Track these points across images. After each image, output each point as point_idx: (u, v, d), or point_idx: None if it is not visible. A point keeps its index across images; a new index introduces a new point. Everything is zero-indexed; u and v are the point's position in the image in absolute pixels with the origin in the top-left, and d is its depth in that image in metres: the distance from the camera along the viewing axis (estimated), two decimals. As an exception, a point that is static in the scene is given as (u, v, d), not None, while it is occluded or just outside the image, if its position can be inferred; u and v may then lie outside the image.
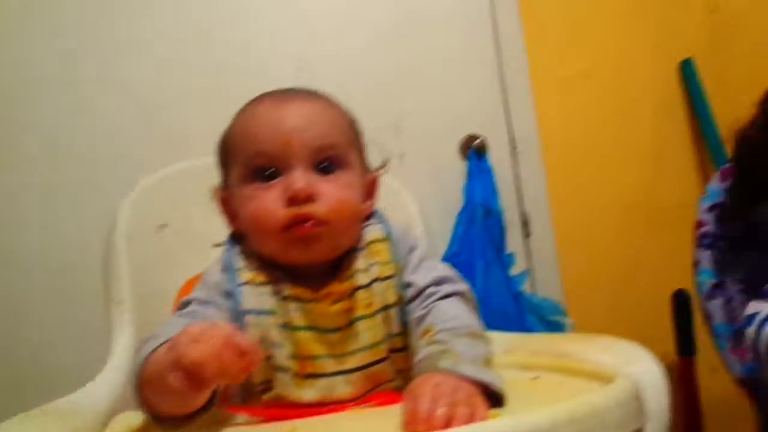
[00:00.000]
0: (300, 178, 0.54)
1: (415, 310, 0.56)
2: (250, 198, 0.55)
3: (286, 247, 0.55)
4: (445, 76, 1.10)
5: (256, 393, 0.54)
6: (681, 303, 0.97)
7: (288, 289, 0.55)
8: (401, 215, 0.77)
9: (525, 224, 1.09)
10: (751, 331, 0.55)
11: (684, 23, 1.16)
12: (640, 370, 0.54)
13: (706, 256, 0.72)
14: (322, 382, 0.54)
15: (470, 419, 0.40)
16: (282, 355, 0.54)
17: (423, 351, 0.51)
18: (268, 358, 0.54)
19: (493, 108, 1.12)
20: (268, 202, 0.54)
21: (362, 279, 0.56)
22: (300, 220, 0.54)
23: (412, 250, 0.60)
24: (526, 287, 0.98)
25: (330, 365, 0.54)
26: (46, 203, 0.99)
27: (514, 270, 0.99)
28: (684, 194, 1.11)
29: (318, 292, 0.56)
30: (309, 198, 0.54)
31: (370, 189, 0.61)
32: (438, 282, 0.57)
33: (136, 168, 0.88)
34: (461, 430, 0.39)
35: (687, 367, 0.97)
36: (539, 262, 1.08)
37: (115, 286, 0.76)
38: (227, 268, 0.57)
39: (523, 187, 1.10)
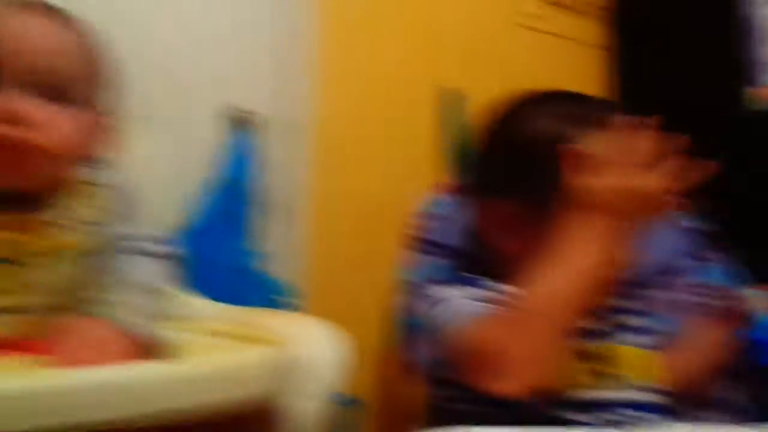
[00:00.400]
0: (13, 98, 0.49)
1: (109, 260, 0.53)
2: None
3: None
4: (220, 43, 1.06)
5: None
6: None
7: None
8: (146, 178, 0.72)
9: (282, 206, 1.09)
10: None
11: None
12: (314, 345, 0.57)
13: (409, 256, 0.79)
14: None
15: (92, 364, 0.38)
16: None
17: (100, 296, 0.48)
18: None
19: (268, 84, 1.10)
20: None
21: (57, 216, 0.52)
22: (4, 140, 0.49)
23: (128, 204, 0.56)
24: (262, 266, 0.98)
25: None
26: None
27: (254, 248, 0.98)
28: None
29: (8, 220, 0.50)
30: (20, 120, 0.49)
31: (98, 129, 0.56)
32: (142, 238, 0.55)
33: None
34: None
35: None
36: (291, 246, 1.08)
37: None
38: None
39: (287, 168, 1.10)
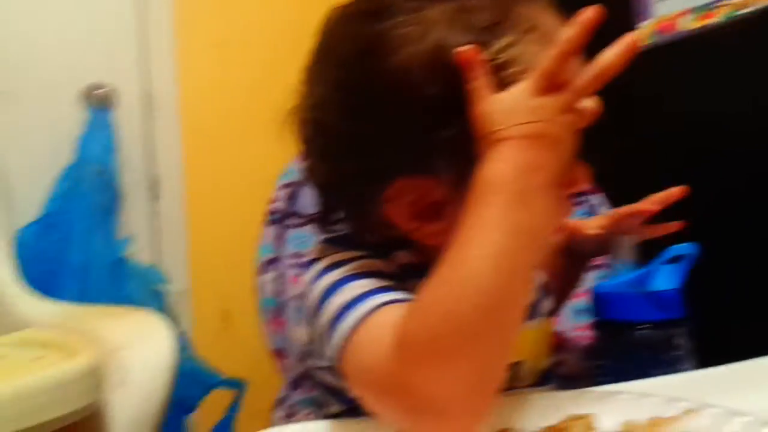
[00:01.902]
0: None
1: None
2: None
3: None
4: (77, 12, 0.98)
5: None
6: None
7: None
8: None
9: (153, 186, 1.03)
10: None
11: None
12: (145, 348, 0.53)
13: (268, 232, 0.75)
14: None
15: None
16: None
17: None
18: None
19: (130, 59, 1.03)
20: None
21: None
22: None
23: None
24: (134, 254, 0.93)
25: None
26: None
27: (121, 235, 0.93)
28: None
29: None
30: None
31: None
32: None
33: None
34: None
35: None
36: (165, 227, 1.04)
37: None
38: None
39: (154, 146, 1.04)
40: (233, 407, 0.88)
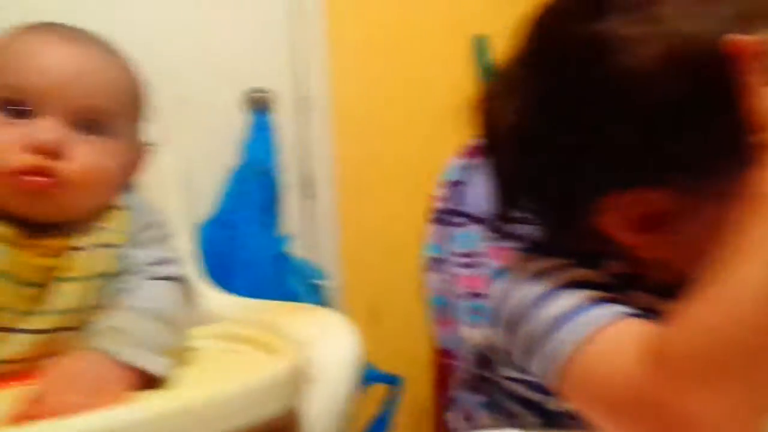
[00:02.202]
0: (51, 129, 0.49)
1: (123, 283, 0.53)
2: None
3: (11, 194, 0.50)
4: (234, 22, 1.04)
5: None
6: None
7: (3, 229, 0.50)
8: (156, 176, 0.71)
9: (307, 185, 1.07)
10: None
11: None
12: (332, 349, 0.55)
13: (434, 230, 0.75)
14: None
15: (79, 409, 0.38)
16: None
17: (102, 322, 0.48)
18: None
19: (284, 62, 1.08)
20: (6, 139, 0.49)
21: (81, 241, 0.52)
22: (37, 172, 0.49)
23: (147, 227, 0.56)
24: (292, 250, 0.97)
25: (15, 320, 0.50)
26: None
27: (282, 232, 0.97)
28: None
29: (29, 239, 0.50)
30: (55, 153, 0.49)
31: (135, 160, 0.57)
32: (156, 262, 0.54)
33: None
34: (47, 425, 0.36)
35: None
36: (319, 225, 1.08)
37: None
38: None
39: (309, 147, 1.08)
40: (390, 404, 0.90)
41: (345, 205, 1.09)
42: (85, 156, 0.51)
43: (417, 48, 1.15)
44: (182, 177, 0.85)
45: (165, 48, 0.98)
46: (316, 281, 0.94)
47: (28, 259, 0.51)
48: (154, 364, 0.45)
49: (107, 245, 0.54)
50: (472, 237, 0.74)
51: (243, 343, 0.56)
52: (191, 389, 0.42)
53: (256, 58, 1.05)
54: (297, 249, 1.02)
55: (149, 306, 0.50)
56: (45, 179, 0.50)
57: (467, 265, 0.72)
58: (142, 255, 0.54)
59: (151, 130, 0.59)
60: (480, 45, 1.19)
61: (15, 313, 0.50)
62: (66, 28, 0.55)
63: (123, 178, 0.57)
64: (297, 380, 0.48)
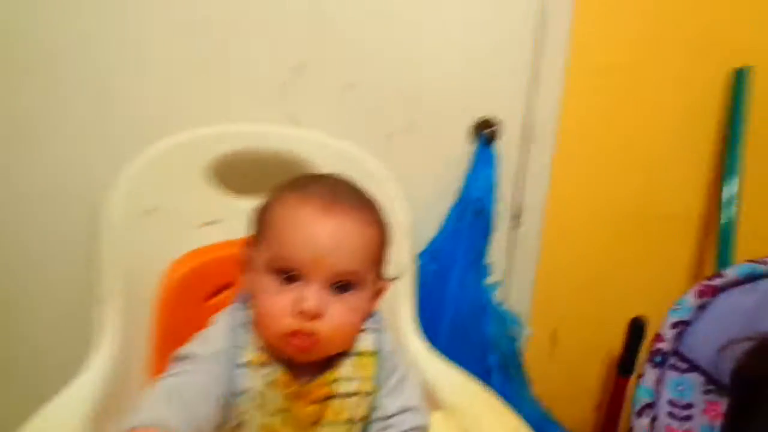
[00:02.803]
0: (313, 296, 0.59)
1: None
2: (266, 291, 0.61)
3: (283, 346, 0.61)
4: (473, 51, 1.00)
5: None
6: (635, 330, 1.04)
7: (278, 376, 0.62)
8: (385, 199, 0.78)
9: (516, 215, 1.09)
10: None
11: (741, 28, 1.04)
12: None
13: (652, 373, 0.77)
14: None
15: None
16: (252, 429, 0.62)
17: None
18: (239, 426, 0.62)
19: (518, 91, 1.04)
20: (280, 306, 0.60)
21: (342, 388, 0.63)
22: (296, 333, 0.60)
23: (394, 370, 0.66)
24: (497, 297, 1.03)
25: None
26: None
27: (490, 279, 1.03)
28: (681, 207, 1.11)
29: (302, 387, 0.63)
30: (316, 316, 0.59)
31: (377, 294, 0.65)
32: (403, 410, 0.64)
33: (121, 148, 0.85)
34: None
35: (622, 384, 1.08)
36: (520, 252, 1.11)
37: (97, 284, 0.80)
38: (233, 343, 0.63)
39: (525, 177, 1.08)
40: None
41: (548, 236, 1.11)
42: (339, 316, 0.60)
43: (653, 79, 1.05)
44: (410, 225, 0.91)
45: (406, 73, 0.99)
46: (512, 328, 1.01)
47: (301, 408, 0.62)
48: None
49: (363, 393, 0.64)
50: (685, 383, 0.75)
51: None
52: None
53: (490, 87, 1.03)
54: (497, 273, 1.07)
55: None
56: (307, 340, 0.60)
57: (674, 416, 0.75)
58: (390, 405, 0.64)
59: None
60: (740, 77, 1.06)
61: None
62: (331, 196, 0.61)
63: (364, 319, 0.65)
64: None
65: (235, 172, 0.89)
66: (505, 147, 1.04)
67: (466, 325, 0.98)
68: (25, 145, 0.90)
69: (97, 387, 0.72)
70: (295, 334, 0.60)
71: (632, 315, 1.08)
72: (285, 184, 0.65)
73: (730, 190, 1.05)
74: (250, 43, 0.92)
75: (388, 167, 0.93)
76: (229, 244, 0.86)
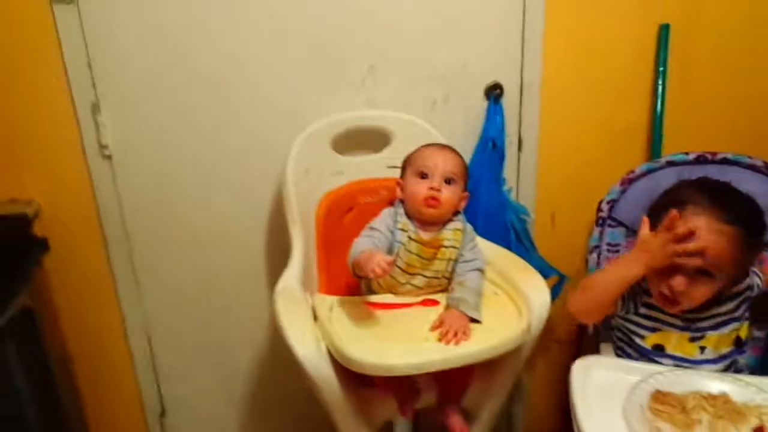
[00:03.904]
0: (436, 181, 1.29)
1: (460, 269, 1.31)
2: (414, 184, 1.31)
3: (421, 207, 1.28)
4: (482, 30, 1.53)
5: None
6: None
7: (415, 235, 1.30)
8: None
9: (520, 143, 1.69)
10: None
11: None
12: (539, 299, 1.29)
13: (597, 230, 1.40)
14: (413, 278, 1.30)
15: (462, 338, 1.16)
16: (401, 262, 1.28)
17: (456, 291, 1.26)
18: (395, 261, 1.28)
19: (513, 60, 1.60)
20: (422, 188, 1.29)
21: (446, 242, 1.31)
22: (431, 198, 1.27)
23: (471, 239, 1.32)
24: (510, 195, 1.65)
25: (420, 272, 1.30)
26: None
27: (506, 186, 1.64)
28: (633, 123, 1.68)
29: (427, 239, 1.30)
30: (437, 190, 1.29)
31: (463, 198, 1.34)
32: (474, 259, 1.29)
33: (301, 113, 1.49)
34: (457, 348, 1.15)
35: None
36: (526, 169, 1.71)
37: (288, 213, 1.44)
38: (393, 219, 1.30)
39: (523, 117, 1.66)
40: (554, 292, 1.63)
41: (542, 156, 1.69)
42: (447, 193, 1.30)
43: (608, 29, 1.56)
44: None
45: (439, 57, 1.56)
46: (523, 215, 1.63)
47: (426, 250, 1.30)
48: (478, 316, 1.22)
49: (454, 247, 1.30)
50: (618, 234, 1.39)
51: (502, 293, 1.32)
52: (489, 339, 1.18)
53: (496, 57, 1.57)
54: (511, 185, 1.68)
55: (473, 286, 1.26)
56: (435, 202, 1.28)
57: (611, 251, 1.39)
58: (468, 255, 1.30)
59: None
60: (664, 33, 1.59)
61: (419, 270, 1.30)
62: (441, 145, 1.38)
63: (458, 207, 1.32)
64: (528, 331, 1.22)
65: (346, 142, 1.50)
66: (508, 101, 1.61)
67: (494, 217, 1.60)
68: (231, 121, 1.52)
69: (300, 268, 1.37)
70: (430, 198, 1.28)
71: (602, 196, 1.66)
72: (419, 147, 1.37)
73: (660, 108, 1.62)
74: (344, 53, 1.51)
75: (435, 123, 1.53)
76: (348, 184, 1.50)
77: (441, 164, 1.29)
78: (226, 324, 1.68)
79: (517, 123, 1.64)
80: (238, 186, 1.57)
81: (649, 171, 1.37)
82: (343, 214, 1.47)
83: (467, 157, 1.58)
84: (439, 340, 1.14)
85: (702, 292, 1.07)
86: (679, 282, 1.05)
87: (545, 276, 1.59)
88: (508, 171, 1.66)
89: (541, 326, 1.25)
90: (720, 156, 1.36)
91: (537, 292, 1.27)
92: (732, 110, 1.69)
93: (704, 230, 1.03)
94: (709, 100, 1.67)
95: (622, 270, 1.10)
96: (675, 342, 1.16)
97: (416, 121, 1.52)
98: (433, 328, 1.17)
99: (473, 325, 1.18)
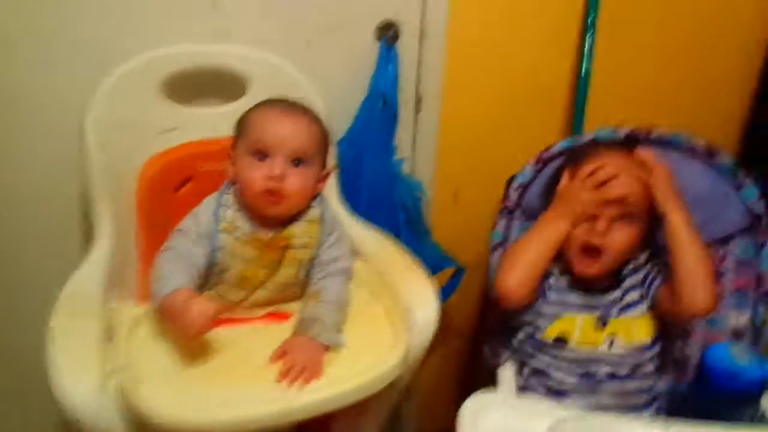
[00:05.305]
0: (278, 166, 0.90)
1: (315, 274, 0.96)
2: (247, 167, 0.91)
3: (258, 203, 0.92)
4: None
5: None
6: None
7: (249, 235, 0.92)
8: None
9: (418, 102, 1.35)
10: None
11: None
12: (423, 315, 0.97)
13: (501, 223, 1.09)
14: (251, 293, 0.95)
15: (311, 377, 0.82)
16: (231, 275, 0.92)
17: (308, 307, 0.92)
18: (222, 272, 0.92)
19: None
20: (257, 175, 0.90)
21: (295, 242, 0.94)
22: (270, 192, 0.90)
23: (332, 231, 0.96)
24: (403, 169, 1.31)
25: (262, 283, 0.95)
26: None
27: (397, 156, 1.30)
28: (553, 80, 1.38)
29: (268, 239, 0.93)
30: (279, 180, 0.90)
31: (323, 178, 0.97)
32: (335, 260, 0.94)
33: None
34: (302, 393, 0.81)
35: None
36: (424, 134, 1.38)
37: (89, 185, 1.04)
38: (215, 215, 0.93)
39: (423, 69, 1.32)
40: (451, 286, 1.34)
41: (445, 117, 1.37)
42: (296, 181, 0.91)
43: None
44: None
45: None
46: (418, 192, 1.31)
47: (265, 254, 0.93)
48: (337, 341, 0.89)
49: (309, 246, 0.94)
50: (528, 226, 1.09)
51: (377, 302, 0.99)
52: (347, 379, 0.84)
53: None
54: (404, 151, 1.35)
55: (332, 298, 0.92)
56: (275, 198, 0.91)
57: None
58: (325, 254, 0.95)
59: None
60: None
61: (258, 281, 0.94)
62: (290, 104, 0.96)
63: (315, 191, 0.96)
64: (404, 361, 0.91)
65: (183, 87, 1.10)
66: (405, 46, 1.26)
67: (380, 194, 1.27)
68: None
69: (104, 264, 0.99)
70: (268, 191, 0.89)
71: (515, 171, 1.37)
72: (257, 104, 0.96)
73: (586, 67, 1.32)
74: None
75: (308, 69, 1.15)
76: (186, 145, 1.10)
77: (288, 139, 0.90)
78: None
79: (415, 76, 1.30)
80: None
81: (570, 149, 1.07)
82: (178, 186, 1.09)
83: (349, 117, 1.23)
84: (280, 379, 0.80)
85: (625, 235, 1.02)
86: (602, 224, 1.00)
87: (440, 267, 1.30)
88: (402, 137, 1.32)
89: (423, 351, 0.95)
90: (655, 134, 1.09)
91: (421, 304, 0.96)
92: (673, 74, 1.41)
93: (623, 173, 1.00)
94: (645, 59, 1.38)
95: (546, 231, 1.03)
96: (580, 328, 1.03)
97: (282, 65, 1.14)
98: (273, 360, 0.83)
99: (333, 352, 0.86)
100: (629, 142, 1.07)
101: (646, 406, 1.03)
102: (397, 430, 1.68)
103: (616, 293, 1.05)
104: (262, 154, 0.90)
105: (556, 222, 1.02)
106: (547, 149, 1.10)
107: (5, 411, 1.33)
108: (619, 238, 1.01)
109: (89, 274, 0.95)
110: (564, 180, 1.05)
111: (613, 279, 1.06)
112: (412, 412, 1.68)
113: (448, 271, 1.37)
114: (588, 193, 1.00)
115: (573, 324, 1.03)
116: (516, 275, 1.00)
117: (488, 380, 1.07)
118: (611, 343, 1.02)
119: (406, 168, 1.34)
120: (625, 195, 1.00)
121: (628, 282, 1.05)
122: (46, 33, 1.06)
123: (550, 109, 1.41)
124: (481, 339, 1.40)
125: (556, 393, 1.02)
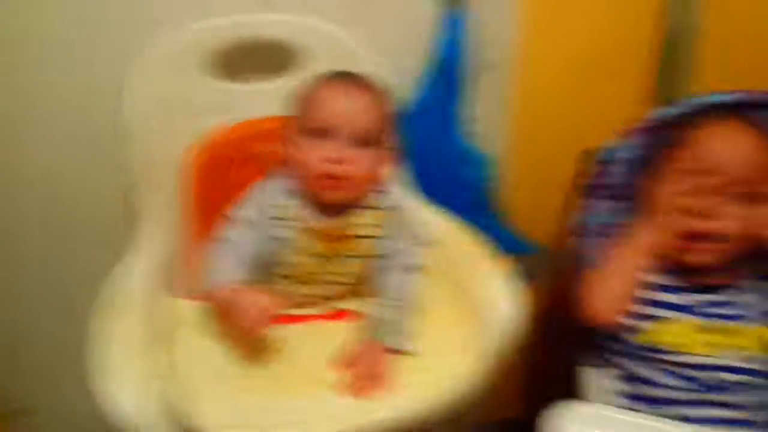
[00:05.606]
0: (336, 149, 0.80)
1: (378, 269, 0.86)
2: (303, 149, 0.82)
3: (315, 187, 0.82)
4: None
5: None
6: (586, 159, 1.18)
7: (302, 224, 0.83)
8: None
9: (487, 67, 1.20)
10: None
11: None
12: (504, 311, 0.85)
13: (584, 203, 0.96)
14: (312, 286, 0.86)
15: (375, 389, 0.73)
16: (285, 267, 0.83)
17: (371, 310, 0.82)
18: (276, 264, 0.83)
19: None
20: (314, 156, 0.81)
21: (358, 231, 0.84)
22: (329, 177, 0.80)
23: (397, 220, 0.87)
24: (472, 140, 1.18)
25: (320, 277, 0.85)
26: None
27: (464, 129, 1.17)
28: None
29: (328, 229, 0.83)
30: (339, 162, 0.80)
31: (387, 160, 0.87)
32: (401, 252, 0.85)
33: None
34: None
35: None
36: (494, 105, 1.24)
37: (129, 172, 0.95)
38: (269, 202, 0.84)
39: (491, 32, 1.17)
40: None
41: (523, 85, 1.22)
42: (357, 164, 0.81)
43: None
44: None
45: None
46: (487, 170, 1.18)
47: (325, 244, 0.83)
48: (403, 345, 0.78)
49: (373, 236, 0.83)
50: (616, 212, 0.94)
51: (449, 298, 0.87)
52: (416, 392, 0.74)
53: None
54: (475, 137, 1.21)
55: (399, 296, 0.81)
56: (335, 182, 0.80)
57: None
58: (390, 246, 0.84)
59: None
60: None
61: (319, 274, 0.84)
62: (353, 79, 0.84)
63: (378, 175, 0.85)
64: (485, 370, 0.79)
65: (228, 62, 1.01)
66: (471, 7, 1.12)
67: (446, 172, 1.14)
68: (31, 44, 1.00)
69: (152, 257, 0.91)
70: (326, 175, 0.79)
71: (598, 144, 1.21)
72: (314, 78, 0.85)
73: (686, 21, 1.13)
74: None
75: (364, 37, 1.03)
76: (235, 126, 1.01)
77: (350, 117, 0.80)
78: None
79: (484, 40, 1.15)
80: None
81: (668, 118, 0.91)
82: (227, 170, 1.00)
83: (411, 90, 1.10)
84: (344, 392, 0.71)
85: (736, 214, 0.84)
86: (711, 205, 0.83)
87: (519, 252, 1.17)
88: (469, 107, 1.18)
89: (507, 353, 0.83)
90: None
91: (502, 298, 0.84)
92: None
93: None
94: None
95: (636, 244, 0.90)
96: (683, 332, 0.88)
97: (337, 34, 1.02)
98: (335, 367, 0.74)
99: (403, 360, 0.76)
100: (743, 109, 0.90)
101: (756, 423, 0.88)
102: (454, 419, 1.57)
103: (729, 294, 0.90)
104: (320, 135, 0.80)
105: (649, 232, 0.90)
106: (640, 121, 0.94)
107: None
108: (731, 214, 0.85)
109: (133, 269, 0.88)
110: (664, 166, 0.90)
111: (727, 275, 0.90)
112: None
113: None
114: (691, 186, 0.86)
115: (675, 327, 0.89)
116: (605, 298, 0.87)
117: (562, 381, 0.94)
118: (715, 348, 0.87)
119: (473, 142, 1.20)
120: (745, 176, 0.84)
121: (746, 282, 0.90)
122: (79, 12, 0.98)
123: (638, 74, 1.24)
124: (548, 329, 1.27)
125: (652, 402, 0.88)
